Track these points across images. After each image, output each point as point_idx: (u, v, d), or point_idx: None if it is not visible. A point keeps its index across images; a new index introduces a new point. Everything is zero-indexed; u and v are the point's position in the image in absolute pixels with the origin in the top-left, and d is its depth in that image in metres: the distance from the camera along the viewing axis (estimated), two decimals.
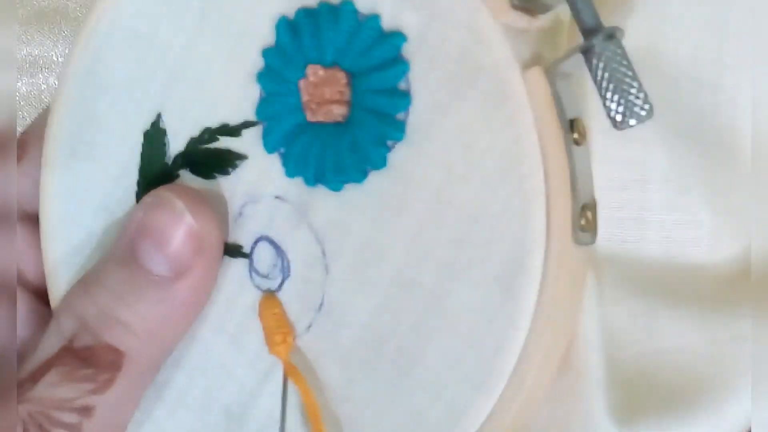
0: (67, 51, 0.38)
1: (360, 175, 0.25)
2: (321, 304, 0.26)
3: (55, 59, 0.38)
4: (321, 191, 0.26)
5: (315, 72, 0.26)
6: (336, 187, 0.26)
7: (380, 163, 0.25)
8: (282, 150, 0.26)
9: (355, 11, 0.25)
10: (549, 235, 0.23)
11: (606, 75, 0.22)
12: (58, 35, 0.38)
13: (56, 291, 0.30)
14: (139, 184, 0.29)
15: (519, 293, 0.23)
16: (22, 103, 0.38)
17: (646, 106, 0.22)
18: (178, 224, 0.26)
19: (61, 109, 0.30)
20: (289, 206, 0.26)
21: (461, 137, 0.24)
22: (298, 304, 0.27)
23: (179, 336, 0.28)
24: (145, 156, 0.29)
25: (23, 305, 0.31)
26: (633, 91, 0.22)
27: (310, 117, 0.26)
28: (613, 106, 0.22)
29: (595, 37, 0.23)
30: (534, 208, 0.23)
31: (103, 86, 0.30)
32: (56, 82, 0.38)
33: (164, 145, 0.29)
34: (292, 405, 0.27)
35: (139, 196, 0.29)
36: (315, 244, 0.26)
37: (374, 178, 0.25)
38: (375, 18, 0.25)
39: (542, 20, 0.24)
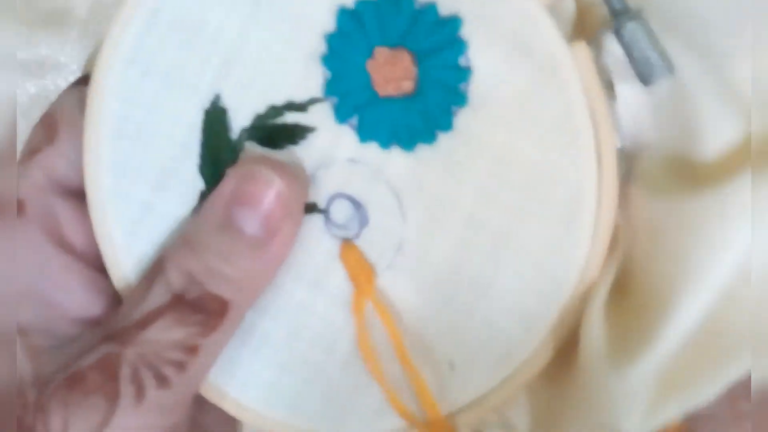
0: (75, 53, 0.40)
1: (430, 137, 0.31)
2: (399, 247, 0.31)
3: (63, 60, 0.39)
4: (395, 152, 0.31)
5: (382, 53, 0.30)
6: (409, 147, 0.31)
7: (447, 126, 0.30)
8: (354, 120, 0.31)
9: (413, 1, 0.30)
10: (600, 174, 0.29)
11: (634, 46, 0.29)
12: (65, 37, 0.40)
13: (117, 258, 0.33)
14: (201, 157, 0.33)
15: (580, 223, 0.30)
16: (30, 104, 0.40)
17: (667, 67, 0.29)
18: (270, 190, 0.31)
19: (102, 93, 0.33)
20: (365, 166, 0.31)
21: (519, 101, 0.30)
22: (377, 248, 0.32)
23: (267, 285, 0.32)
24: (207, 133, 0.33)
25: (76, 272, 0.34)
26: (656, 56, 0.29)
27: (381, 92, 0.31)
28: (641, 68, 0.29)
29: (624, 17, 0.29)
30: (588, 154, 0.29)
31: (147, 71, 0.33)
32: (63, 84, 0.40)
33: (226, 122, 0.32)
34: (375, 333, 0.32)
35: (203, 169, 0.33)
36: (392, 197, 0.31)
37: (443, 138, 0.31)
38: (432, 6, 0.30)
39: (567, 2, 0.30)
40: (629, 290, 0.31)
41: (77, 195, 0.34)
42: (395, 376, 0.32)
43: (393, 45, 0.30)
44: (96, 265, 0.34)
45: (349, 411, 0.32)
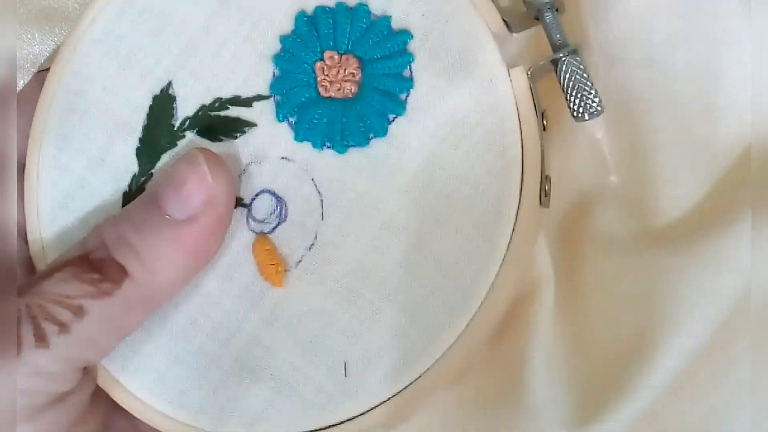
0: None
1: (364, 140, 0.31)
2: (312, 244, 0.31)
3: None
4: (326, 154, 0.31)
5: (331, 56, 0.31)
6: (342, 149, 0.31)
7: (382, 132, 0.31)
8: (292, 119, 0.32)
9: (368, 11, 0.32)
10: (522, 195, 0.30)
11: (570, 81, 0.30)
12: (58, 35, 0.40)
13: (42, 229, 0.33)
14: (141, 140, 0.33)
15: (496, 238, 0.30)
16: None
17: (599, 105, 0.30)
18: (197, 177, 0.31)
19: (63, 67, 0.34)
20: (295, 165, 0.32)
21: (455, 115, 0.30)
22: (290, 244, 0.32)
23: (180, 280, 0.31)
24: (151, 117, 0.33)
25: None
26: (590, 94, 0.30)
27: (323, 93, 0.31)
28: (575, 104, 0.30)
29: (562, 51, 0.30)
30: (513, 172, 0.30)
31: (110, 52, 0.34)
32: None
33: (173, 109, 0.33)
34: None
35: (140, 151, 0.33)
36: (315, 195, 0.31)
37: (375, 144, 0.31)
38: (386, 18, 0.31)
39: (517, 36, 0.32)
40: (587, 348, 0.31)
41: None
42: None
43: (343, 51, 0.32)
44: None
45: (232, 410, 0.31)
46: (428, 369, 0.30)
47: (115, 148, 0.33)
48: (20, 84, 0.39)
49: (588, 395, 0.30)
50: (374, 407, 0.30)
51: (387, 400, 0.30)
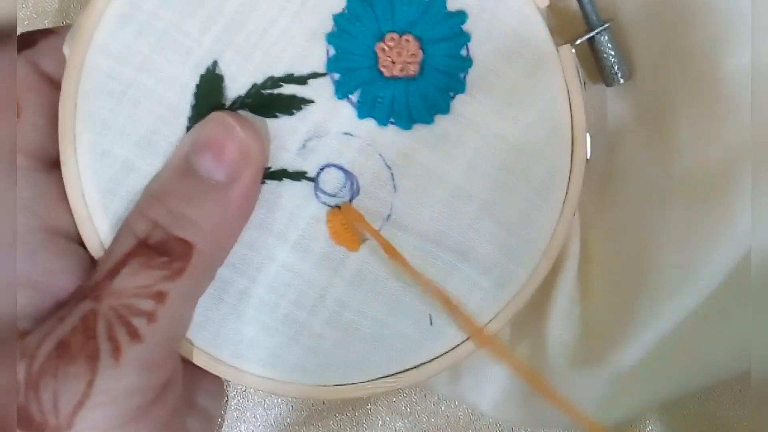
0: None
1: (429, 118, 0.34)
2: (389, 215, 0.34)
3: None
4: (390, 130, 0.34)
5: (392, 38, 0.33)
6: (407, 126, 0.34)
7: (445, 110, 0.34)
8: (353, 96, 0.34)
9: None
10: (573, 162, 0.35)
11: (607, 55, 0.35)
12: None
13: (90, 216, 0.33)
14: (191, 120, 0.33)
15: (552, 199, 0.35)
16: None
17: (626, 75, 0.35)
18: (230, 137, 0.32)
19: (87, 48, 0.33)
20: (360, 140, 0.34)
21: (511, 91, 0.34)
22: (368, 216, 0.34)
23: (234, 237, 0.33)
24: (200, 97, 0.33)
25: (66, 254, 0.33)
26: (622, 63, 0.35)
27: (386, 72, 0.33)
28: (611, 73, 0.35)
29: (597, 30, 0.34)
30: (565, 143, 0.35)
31: (143, 32, 0.33)
32: None
33: (222, 88, 0.33)
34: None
35: None
36: (384, 169, 0.34)
37: (439, 120, 0.34)
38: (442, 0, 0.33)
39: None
40: (594, 292, 0.36)
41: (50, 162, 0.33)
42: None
43: (401, 31, 0.33)
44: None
45: (328, 365, 0.35)
46: (500, 311, 0.35)
47: (163, 130, 0.33)
48: None
49: (590, 345, 0.36)
50: (455, 346, 0.35)
51: (465, 341, 0.35)
